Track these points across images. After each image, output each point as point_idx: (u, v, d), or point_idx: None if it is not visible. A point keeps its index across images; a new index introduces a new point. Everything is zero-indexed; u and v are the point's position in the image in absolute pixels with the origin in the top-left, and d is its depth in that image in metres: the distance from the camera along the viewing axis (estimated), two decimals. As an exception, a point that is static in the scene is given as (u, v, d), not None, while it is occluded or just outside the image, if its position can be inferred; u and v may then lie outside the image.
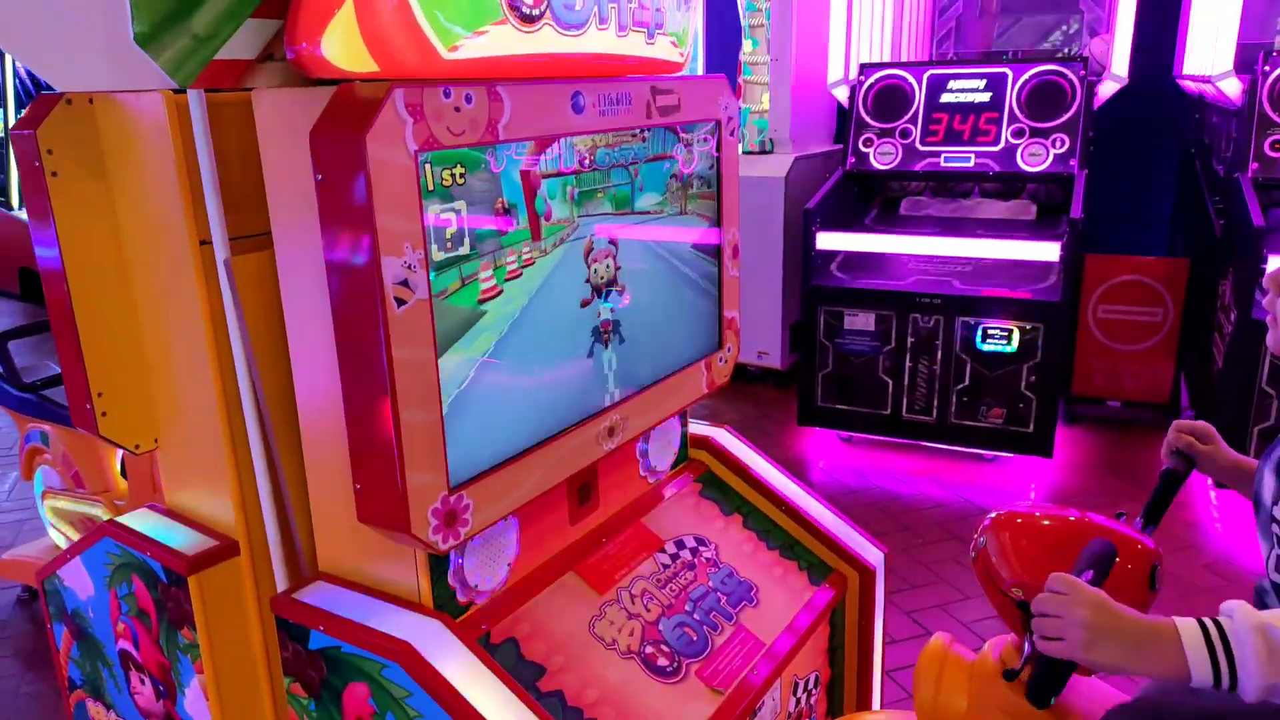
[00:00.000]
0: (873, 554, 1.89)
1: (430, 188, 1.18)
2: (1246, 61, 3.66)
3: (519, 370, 1.37)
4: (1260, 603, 1.13)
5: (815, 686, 1.82)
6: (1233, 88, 3.67)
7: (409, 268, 1.15)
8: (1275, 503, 1.08)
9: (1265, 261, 3.11)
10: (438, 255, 1.20)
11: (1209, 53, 4.01)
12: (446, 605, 1.38)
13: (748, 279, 4.66)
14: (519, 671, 1.37)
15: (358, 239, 1.11)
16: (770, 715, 1.62)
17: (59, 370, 2.12)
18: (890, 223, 4.15)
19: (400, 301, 1.14)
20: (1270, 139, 3.43)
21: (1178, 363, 4.18)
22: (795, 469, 3.83)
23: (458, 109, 1.19)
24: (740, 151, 4.86)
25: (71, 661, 1.80)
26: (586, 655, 1.46)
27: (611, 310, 1.56)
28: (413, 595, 1.37)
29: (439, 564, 1.37)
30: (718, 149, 1.80)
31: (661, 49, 1.64)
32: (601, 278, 1.52)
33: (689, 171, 1.73)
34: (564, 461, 1.47)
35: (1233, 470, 1.34)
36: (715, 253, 1.84)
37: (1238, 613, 0.95)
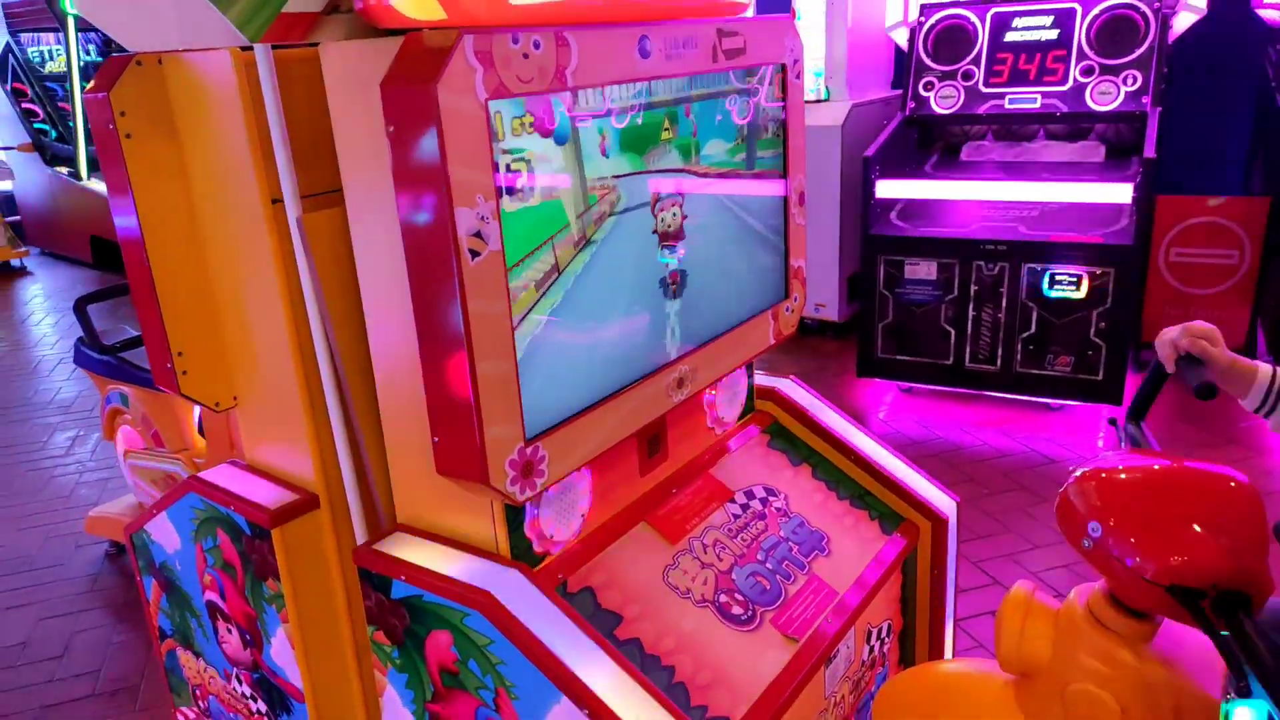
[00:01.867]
0: (945, 503, 1.86)
1: (500, 137, 1.17)
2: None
3: (589, 322, 1.36)
4: None
5: (888, 635, 1.82)
6: (1320, 14, 3.47)
7: (482, 219, 1.14)
8: None
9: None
10: (510, 206, 1.20)
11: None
12: (524, 555, 1.40)
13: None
14: (597, 620, 1.38)
15: (431, 191, 1.11)
16: (844, 663, 1.62)
17: (137, 333, 2.17)
18: (951, 169, 4.04)
19: (474, 253, 1.14)
20: (1361, 68, 3.25)
21: (1255, 307, 4.03)
22: (856, 421, 3.79)
23: (526, 55, 1.17)
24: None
25: (161, 612, 1.87)
26: (662, 604, 1.47)
27: (679, 260, 1.54)
28: (490, 546, 1.39)
29: (515, 515, 1.38)
30: (783, 93, 1.75)
31: (726, -11, 1.60)
32: (669, 226, 1.50)
33: (754, 119, 1.69)
34: (635, 413, 1.46)
35: (1228, 370, 1.30)
36: (782, 201, 1.81)
37: None
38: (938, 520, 1.84)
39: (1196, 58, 4.65)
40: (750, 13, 1.70)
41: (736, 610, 1.51)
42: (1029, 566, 2.71)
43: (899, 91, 4.25)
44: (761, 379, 2.00)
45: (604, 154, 1.35)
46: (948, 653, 1.95)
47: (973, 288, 3.65)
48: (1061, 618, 1.29)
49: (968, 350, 3.74)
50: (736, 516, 1.69)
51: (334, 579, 1.57)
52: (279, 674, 1.66)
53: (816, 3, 4.56)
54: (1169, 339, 1.29)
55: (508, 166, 1.19)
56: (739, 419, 1.92)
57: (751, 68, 1.64)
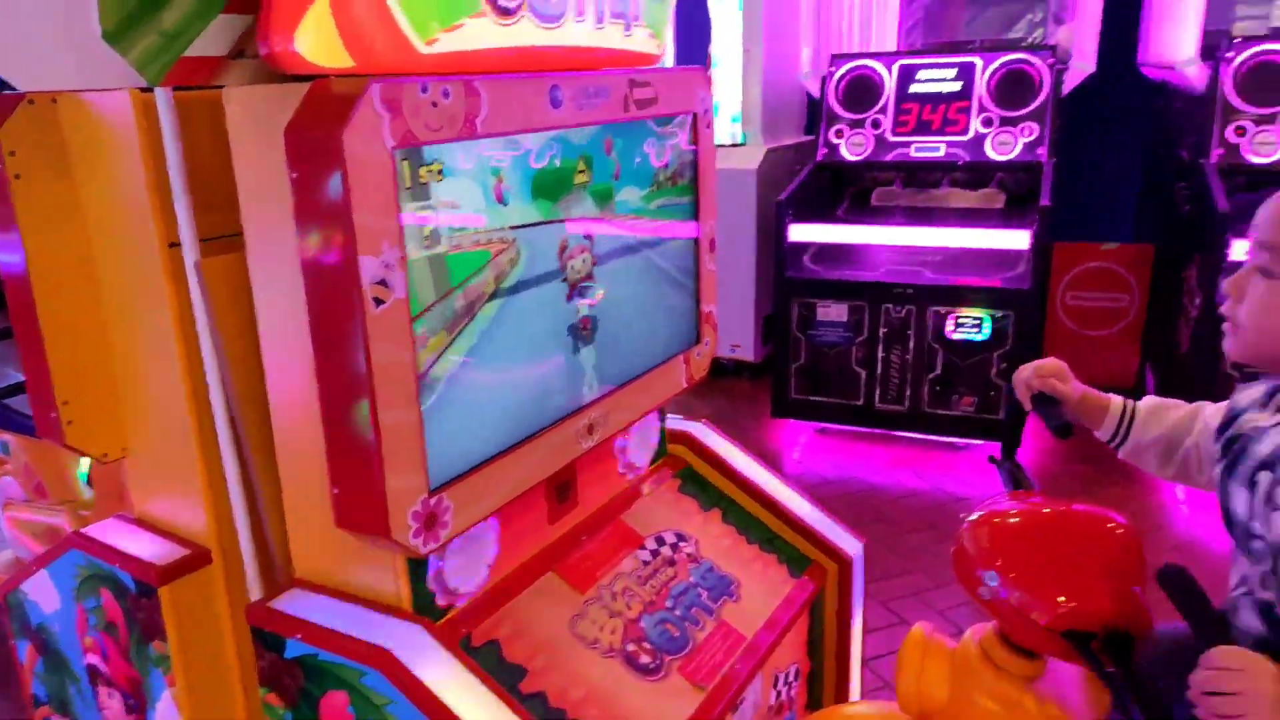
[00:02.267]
0: (851, 545, 1.89)
1: (408, 185, 1.16)
2: (1209, 48, 3.71)
3: (497, 369, 1.35)
4: (1245, 623, 1.11)
5: (795, 679, 1.83)
6: (1196, 74, 3.72)
7: (387, 266, 1.13)
8: (1252, 518, 1.07)
9: (1229, 246, 3.17)
10: (415, 254, 1.18)
11: (1172, 40, 4.06)
12: (426, 609, 1.36)
13: (720, 273, 4.66)
14: (501, 674, 1.35)
15: (335, 237, 1.09)
16: (751, 709, 1.62)
17: (21, 378, 2.06)
18: (862, 213, 4.17)
19: (379, 301, 1.12)
20: (1232, 125, 3.48)
21: (1143, 348, 4.25)
22: (770, 461, 3.83)
23: (435, 104, 1.17)
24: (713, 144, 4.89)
25: (36, 678, 1.76)
26: (569, 655, 1.45)
27: (589, 306, 1.54)
28: (393, 600, 1.35)
29: (418, 567, 1.35)
30: (695, 141, 1.79)
31: (639, 41, 1.63)
32: (578, 273, 1.51)
33: (665, 165, 1.71)
34: (544, 460, 1.45)
35: (1081, 404, 1.34)
36: (693, 246, 1.83)
37: None
38: (844, 562, 1.87)
39: (1088, 111, 4.92)
40: (669, 62, 1.74)
41: (645, 659, 1.50)
42: (936, 604, 2.78)
43: (812, 137, 4.38)
44: (674, 423, 2.01)
45: (514, 201, 1.35)
46: (854, 694, 1.97)
47: (882, 330, 3.75)
48: (958, 657, 1.32)
49: (878, 391, 3.84)
50: (646, 563, 1.69)
51: (225, 639, 1.51)
52: (166, 737, 1.58)
53: (734, 50, 4.68)
54: (1022, 379, 1.34)
55: (414, 214, 1.18)
56: (651, 464, 1.92)
57: (663, 117, 1.67)
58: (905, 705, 1.37)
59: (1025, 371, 1.36)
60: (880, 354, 3.79)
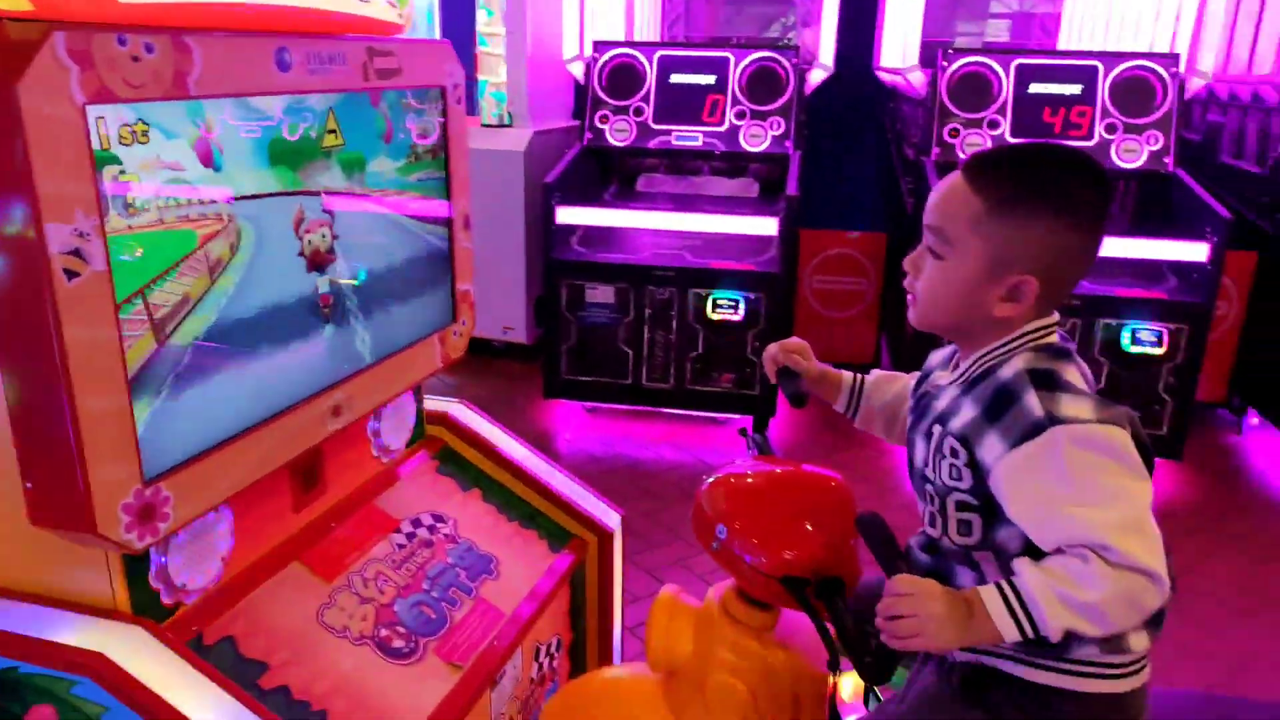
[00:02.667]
0: (610, 517, 1.95)
1: (106, 146, 1.05)
2: (930, 57, 4.12)
3: (226, 349, 1.26)
4: (918, 557, 1.26)
5: (557, 650, 1.86)
6: (918, 80, 4.11)
7: (81, 235, 1.02)
8: (926, 465, 1.20)
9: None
10: (119, 223, 1.08)
11: (899, 48, 4.47)
12: (149, 610, 1.26)
13: (490, 254, 4.62)
14: (237, 671, 1.28)
15: (14, 203, 0.97)
16: (511, 683, 1.63)
17: None
18: (628, 199, 4.27)
19: (72, 274, 1.01)
20: (948, 127, 3.89)
21: (879, 327, 4.66)
22: (542, 442, 3.87)
23: (136, 58, 1.07)
24: (480, 124, 4.83)
25: None
26: (315, 646, 1.39)
27: (330, 283, 1.48)
28: (107, 603, 1.24)
29: (137, 565, 1.24)
30: (444, 116, 1.75)
31: (377, 8, 1.57)
32: (316, 248, 1.44)
33: (416, 140, 1.67)
34: (282, 445, 1.38)
35: (820, 379, 1.45)
36: (446, 224, 1.80)
37: (1024, 576, 1.04)
38: (603, 534, 1.92)
39: (831, 109, 5.32)
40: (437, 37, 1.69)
41: (398, 644, 1.47)
42: (696, 570, 2.91)
43: (579, 122, 4.42)
44: (432, 403, 1.98)
45: (242, 169, 1.27)
46: (617, 661, 2.03)
47: (647, 311, 3.87)
48: (701, 615, 1.40)
49: (645, 370, 3.96)
50: (401, 546, 1.65)
51: (-97, 660, 1.31)
52: None
53: (501, 30, 4.63)
54: (770, 355, 1.44)
55: (115, 179, 1.08)
56: (407, 446, 1.87)
57: (406, 89, 1.62)
58: (654, 663, 1.43)
59: (773, 348, 1.46)
60: (646, 334, 3.91)
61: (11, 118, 0.95)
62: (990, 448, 1.09)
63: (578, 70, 4.41)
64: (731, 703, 1.36)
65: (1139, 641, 1.09)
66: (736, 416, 4.00)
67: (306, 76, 1.36)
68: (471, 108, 4.91)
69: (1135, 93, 3.76)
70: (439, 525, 1.74)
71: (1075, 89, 3.82)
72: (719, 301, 3.78)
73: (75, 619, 1.20)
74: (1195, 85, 3.87)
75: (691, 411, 4.05)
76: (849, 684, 1.45)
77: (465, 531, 1.77)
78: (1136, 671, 1.12)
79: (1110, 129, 3.76)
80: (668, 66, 4.22)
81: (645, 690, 1.46)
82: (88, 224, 1.03)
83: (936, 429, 1.17)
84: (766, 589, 1.28)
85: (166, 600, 1.29)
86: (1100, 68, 3.80)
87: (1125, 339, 3.48)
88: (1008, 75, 3.87)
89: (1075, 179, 1.10)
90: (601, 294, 3.90)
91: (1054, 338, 1.15)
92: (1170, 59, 3.76)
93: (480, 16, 4.68)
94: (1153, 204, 3.86)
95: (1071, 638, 1.04)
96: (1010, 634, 1.03)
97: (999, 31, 6.87)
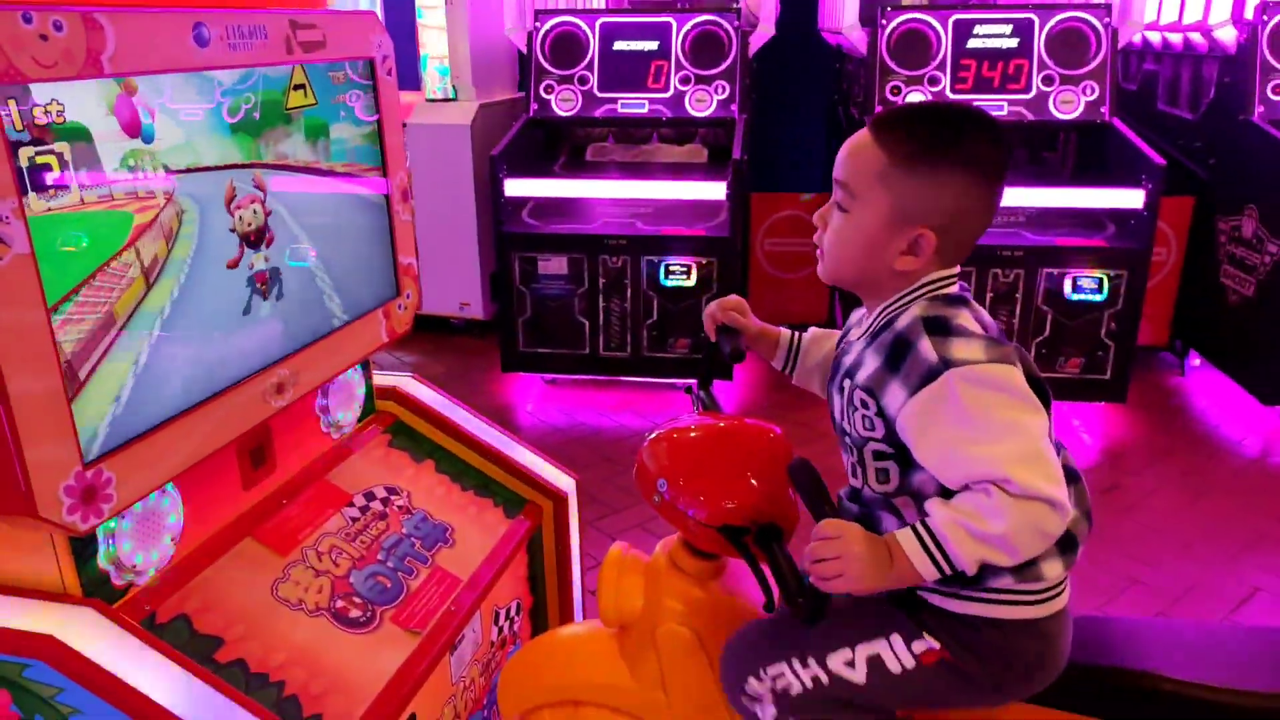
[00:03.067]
0: (564, 482, 1.97)
1: (18, 127, 1.05)
2: (870, 16, 4.14)
3: (164, 329, 1.26)
4: (847, 507, 1.31)
5: (517, 614, 1.89)
6: (859, 39, 4.14)
7: (1, 220, 1.01)
8: (843, 419, 1.24)
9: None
10: (39, 204, 1.08)
11: (840, 6, 4.47)
12: (99, 591, 1.26)
13: (442, 231, 4.60)
14: (192, 647, 1.29)
15: (-75, 187, 0.96)
16: (471, 647, 1.66)
17: None
18: (577, 169, 4.26)
19: (-7, 258, 1.01)
20: (890, 85, 3.92)
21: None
22: (503, 415, 3.88)
23: (44, 37, 1.06)
24: (424, 99, 4.78)
25: None
26: (270, 620, 1.41)
27: (265, 260, 1.48)
28: (55, 586, 1.24)
29: (85, 547, 1.25)
30: (374, 89, 1.74)
31: (299, -19, 1.56)
32: (249, 225, 1.44)
33: (342, 115, 1.66)
34: (225, 423, 1.38)
35: (758, 336, 1.48)
36: (383, 198, 1.80)
37: (935, 515, 1.08)
38: (558, 499, 1.95)
39: (776, 71, 5.33)
40: (379, 11, 1.67)
41: (354, 613, 1.49)
42: (656, 532, 2.95)
43: (524, 94, 4.39)
44: (381, 378, 1.98)
45: (171, 148, 1.26)
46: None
47: (601, 280, 3.88)
48: (650, 569, 1.44)
49: (601, 340, 3.98)
50: (355, 519, 1.67)
51: None
52: None
53: (437, 1, 4.57)
54: (709, 313, 1.46)
55: (32, 160, 1.07)
56: (358, 421, 1.88)
57: (333, 62, 1.61)
58: (606, 619, 1.46)
59: (712, 307, 1.48)
60: (601, 304, 3.92)
61: (-81, 101, 0.94)
62: (893, 396, 1.12)
63: (520, 40, 4.37)
64: (681, 649, 1.40)
65: (1052, 569, 1.14)
66: (692, 382, 4.03)
67: (226, 52, 1.35)
68: (415, 82, 4.86)
69: (1070, 44, 3.82)
70: (393, 497, 1.76)
71: (1012, 43, 3.86)
72: (672, 268, 3.80)
73: (23, 603, 1.21)
74: (1129, 35, 3.93)
75: (649, 379, 4.08)
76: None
77: (419, 502, 1.79)
78: (1053, 598, 1.17)
79: (1047, 81, 3.82)
80: (610, 34, 4.20)
81: (600, 644, 1.50)
82: (6, 207, 1.02)
83: (847, 383, 1.21)
84: (708, 539, 1.31)
85: (117, 581, 1.29)
86: (1036, 20, 3.85)
87: (1067, 287, 3.56)
88: (946, 31, 3.91)
89: (976, 136, 1.14)
90: (555, 265, 3.90)
91: (953, 288, 1.19)
92: (1103, 9, 3.81)
93: (419, -12, 4.62)
94: (1091, 154, 3.93)
95: (987, 570, 1.09)
96: (928, 572, 1.08)
97: None
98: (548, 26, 4.21)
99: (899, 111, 1.17)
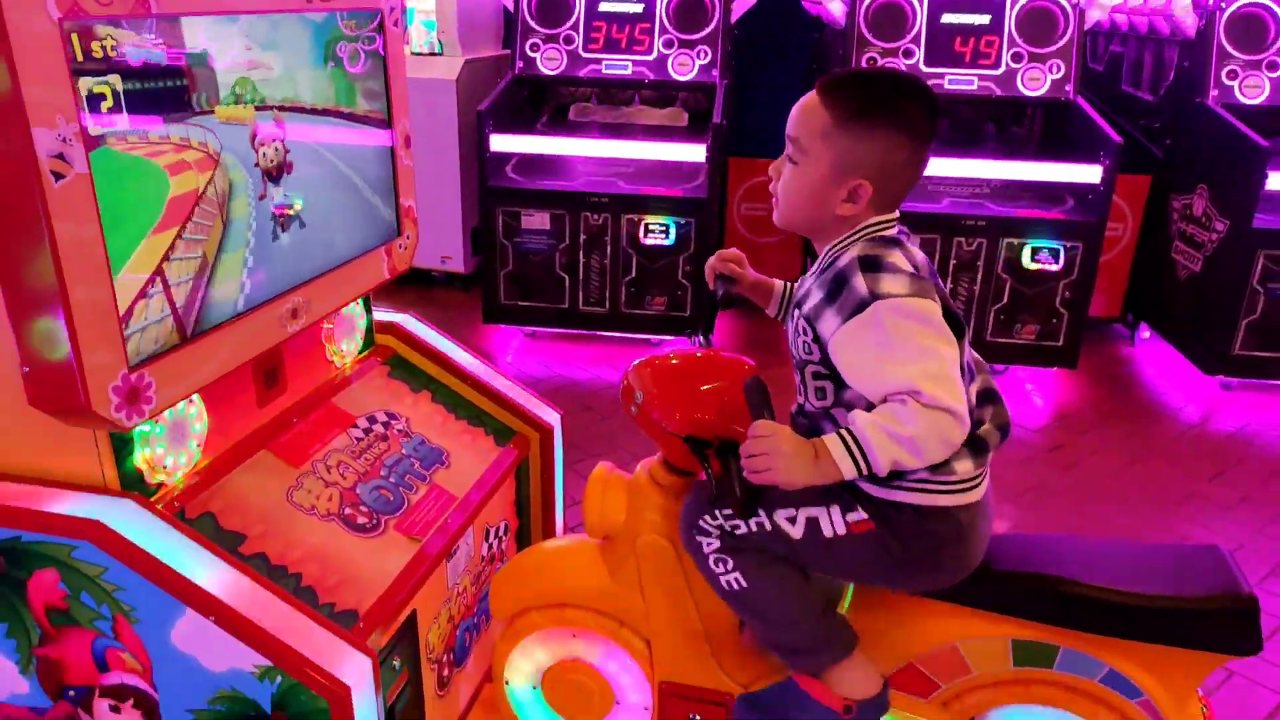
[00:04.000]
0: (550, 415, 2.12)
1: (80, 59, 1.16)
2: (850, -12, 4.25)
3: (198, 253, 1.39)
4: (797, 422, 1.47)
5: (505, 534, 2.04)
6: (838, 10, 4.26)
7: (64, 140, 1.13)
8: (790, 344, 1.41)
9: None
10: (95, 129, 1.19)
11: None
12: (135, 487, 1.40)
13: (425, 184, 4.66)
14: (219, 540, 1.43)
15: (6, 111, 1.08)
16: (465, 559, 1.81)
17: None
18: (561, 127, 4.36)
19: (58, 175, 1.13)
20: (866, 56, 4.06)
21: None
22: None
23: (104, -22, 1.17)
24: (409, 53, 4.83)
25: None
26: (287, 522, 1.55)
27: (284, 195, 1.60)
28: (97, 482, 1.37)
29: (124, 448, 1.38)
30: (383, 40, 1.85)
31: (318, -66, 1.66)
32: (271, 161, 1.56)
33: (353, 64, 1.77)
34: (248, 342, 1.51)
35: (754, 286, 1.63)
36: (388, 143, 1.91)
37: (857, 419, 1.25)
38: (545, 430, 2.10)
39: (760, 38, 5.43)
40: None
41: (361, 520, 1.64)
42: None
43: (510, 51, 4.47)
44: (381, 315, 2.11)
45: (205, 83, 1.38)
46: (560, 546, 2.22)
47: (582, 237, 4.01)
48: (632, 485, 1.59)
49: (581, 295, 4.11)
50: (359, 439, 1.81)
51: (-96, 541, 1.43)
52: None
53: (427, -43, 4.62)
54: (709, 265, 1.61)
55: (91, 90, 1.18)
56: (360, 353, 2.01)
57: (346, 11, 1.72)
58: (591, 530, 1.62)
59: (712, 259, 1.63)
60: (582, 260, 4.06)
61: (-3, 31, 1.05)
62: (827, 323, 1.30)
63: (507, -1, 4.44)
64: (659, 558, 1.57)
65: (962, 466, 1.33)
66: (670, 338, 4.19)
67: (256, -2, 1.46)
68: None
69: (1039, 23, 3.97)
70: (393, 421, 1.90)
71: (984, 19, 4.01)
72: (650, 227, 3.94)
73: (71, 495, 1.34)
74: (1094, 16, 4.09)
75: (627, 334, 4.23)
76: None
77: (417, 428, 1.93)
78: (963, 491, 1.35)
79: (1016, 58, 3.97)
80: (597, -6, 4.28)
81: (585, 554, 1.66)
82: (69, 130, 1.14)
83: (795, 312, 1.38)
84: (675, 448, 1.48)
85: (150, 481, 1.43)
86: (1008, -1, 4.00)
87: (1026, 257, 3.75)
88: (921, 6, 4.05)
89: (909, 100, 1.30)
90: (537, 221, 4.02)
91: (892, 231, 1.35)
92: (1071, -11, 3.97)
93: (408, -58, 4.66)
94: (1055, 130, 4.11)
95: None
96: (848, 469, 1.25)
97: None
98: (535, -15, 4.28)
99: (843, 76, 1.34)
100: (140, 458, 1.41)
